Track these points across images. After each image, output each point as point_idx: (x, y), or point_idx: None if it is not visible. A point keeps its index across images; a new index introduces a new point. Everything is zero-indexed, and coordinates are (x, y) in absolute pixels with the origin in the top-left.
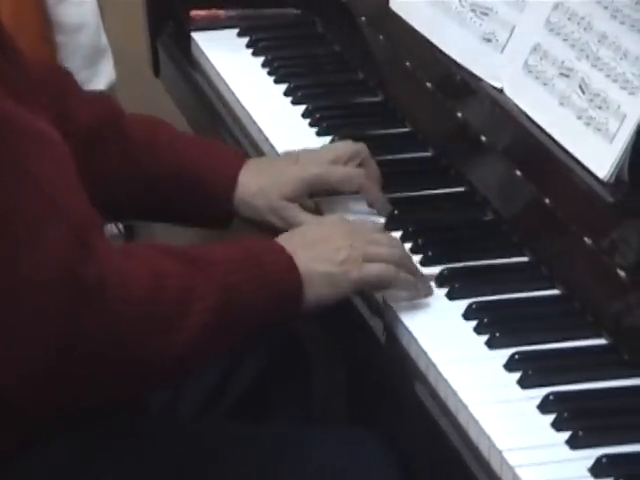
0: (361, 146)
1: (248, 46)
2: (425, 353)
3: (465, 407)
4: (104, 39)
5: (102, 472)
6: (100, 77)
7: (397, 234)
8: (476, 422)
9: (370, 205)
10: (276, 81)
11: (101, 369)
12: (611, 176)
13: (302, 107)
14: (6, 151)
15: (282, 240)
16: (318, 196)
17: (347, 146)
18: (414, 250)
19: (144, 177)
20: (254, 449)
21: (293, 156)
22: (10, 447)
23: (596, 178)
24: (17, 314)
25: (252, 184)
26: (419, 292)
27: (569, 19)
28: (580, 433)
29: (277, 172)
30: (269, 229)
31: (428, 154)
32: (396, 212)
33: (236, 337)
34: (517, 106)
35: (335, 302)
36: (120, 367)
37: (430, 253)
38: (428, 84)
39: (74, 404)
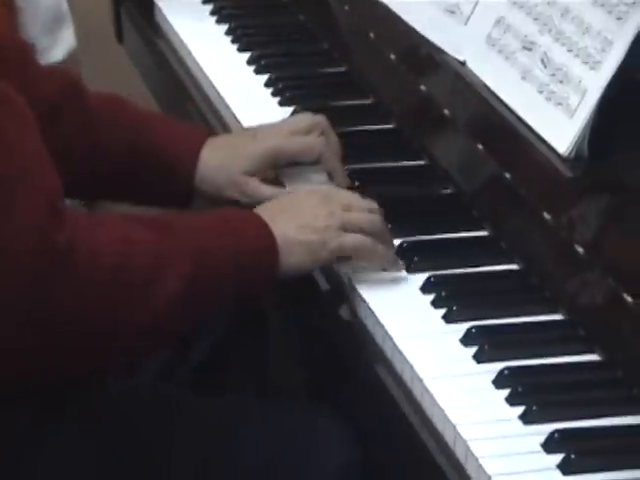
0: (320, 118)
1: (212, 13)
2: (382, 325)
3: (420, 380)
4: (65, 5)
5: (60, 444)
6: (60, 43)
7: None
8: (431, 395)
9: (329, 175)
10: (239, 49)
11: (72, 336)
12: (571, 151)
13: (265, 76)
14: None
15: (259, 209)
16: (279, 168)
17: (306, 118)
18: None
19: (104, 153)
20: (208, 419)
21: (252, 131)
22: None
23: (556, 153)
24: None
25: (213, 160)
26: (392, 266)
27: None
28: (534, 408)
29: (236, 147)
30: (230, 205)
31: (390, 126)
32: (357, 184)
33: (209, 306)
34: (479, 79)
35: (312, 269)
36: (91, 335)
37: (389, 226)
38: (392, 56)
39: (42, 372)
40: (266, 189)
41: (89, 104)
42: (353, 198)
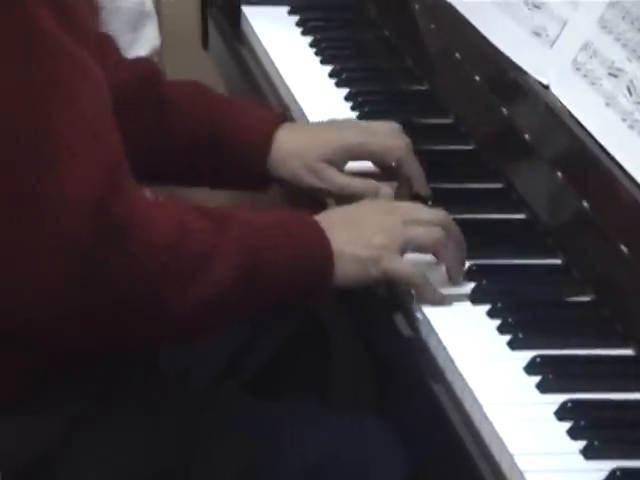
0: (407, 140)
1: (298, 24)
2: (445, 348)
3: (480, 406)
4: (149, 3)
5: (112, 427)
6: (143, 42)
7: None
8: (490, 422)
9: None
10: (322, 62)
11: (117, 310)
12: None
13: (346, 90)
14: (52, 75)
15: (319, 216)
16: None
17: (390, 124)
18: None
19: (178, 137)
20: (261, 422)
21: (334, 122)
22: (18, 393)
23: (637, 184)
24: (42, 234)
25: (289, 143)
26: (438, 300)
27: (623, 18)
28: (595, 443)
29: (316, 134)
30: (304, 192)
31: (469, 147)
32: (429, 203)
33: (255, 304)
34: (562, 104)
35: (362, 286)
36: (136, 313)
37: None
38: (476, 77)
39: (85, 342)
40: (344, 178)
41: (165, 91)
42: (420, 212)
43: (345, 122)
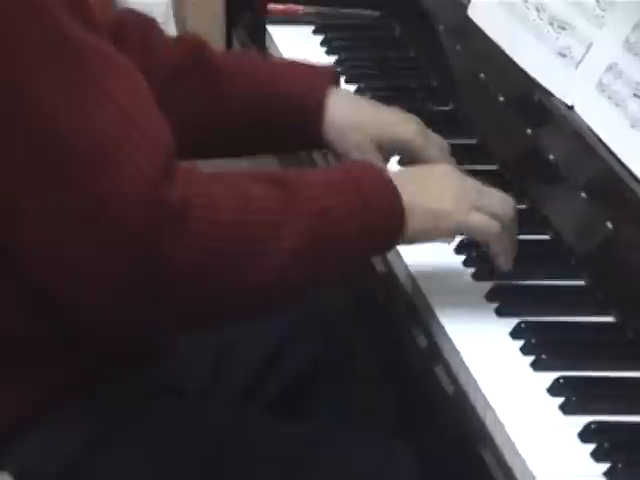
0: (453, 161)
1: (322, 44)
2: (467, 368)
3: (502, 426)
4: (172, 29)
5: (129, 446)
6: None
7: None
8: (512, 443)
9: None
10: (347, 81)
11: (186, 295)
12: None
13: None
14: (83, 74)
15: (390, 173)
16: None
17: (443, 140)
18: (466, 263)
19: (229, 107)
20: (283, 443)
21: (397, 110)
22: (34, 410)
23: None
24: (101, 233)
25: (348, 114)
26: (508, 261)
27: None
28: (619, 466)
29: (380, 117)
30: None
31: (493, 167)
32: None
33: (328, 267)
34: (587, 125)
35: (432, 241)
36: (204, 293)
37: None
38: (500, 97)
39: (152, 327)
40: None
41: (214, 61)
42: (492, 188)
43: (410, 116)
